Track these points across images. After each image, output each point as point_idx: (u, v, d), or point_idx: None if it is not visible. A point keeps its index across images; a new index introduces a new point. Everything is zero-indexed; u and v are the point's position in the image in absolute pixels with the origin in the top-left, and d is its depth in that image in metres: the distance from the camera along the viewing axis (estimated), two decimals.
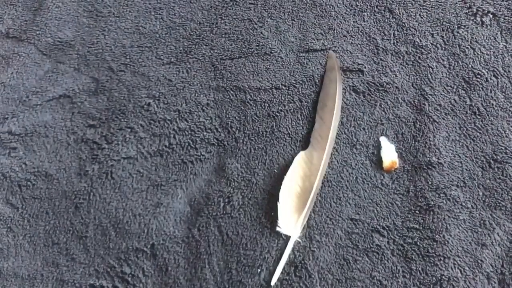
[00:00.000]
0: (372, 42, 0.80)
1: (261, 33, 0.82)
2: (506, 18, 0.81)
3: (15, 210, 0.69)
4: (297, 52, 0.80)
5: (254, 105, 0.76)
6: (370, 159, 0.70)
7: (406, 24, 0.82)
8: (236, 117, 0.75)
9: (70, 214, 0.68)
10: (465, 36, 0.80)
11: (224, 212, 0.67)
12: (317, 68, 0.78)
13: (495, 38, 0.80)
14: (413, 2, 0.84)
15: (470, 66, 0.77)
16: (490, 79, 0.76)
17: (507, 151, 0.70)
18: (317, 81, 0.77)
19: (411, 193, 0.68)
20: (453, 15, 0.82)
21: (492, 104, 0.74)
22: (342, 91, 0.75)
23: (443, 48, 0.79)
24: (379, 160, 0.70)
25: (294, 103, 0.75)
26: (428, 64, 0.77)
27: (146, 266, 0.65)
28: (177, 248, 0.65)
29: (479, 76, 0.76)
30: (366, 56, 0.79)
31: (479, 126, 0.72)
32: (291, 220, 0.65)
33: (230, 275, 0.63)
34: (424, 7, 0.83)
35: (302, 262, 0.64)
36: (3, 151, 0.73)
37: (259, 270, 0.64)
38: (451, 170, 0.69)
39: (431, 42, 0.80)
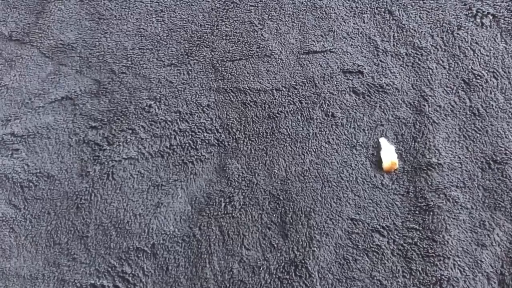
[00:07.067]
0: (372, 44, 0.80)
1: (262, 35, 0.83)
2: (506, 19, 0.82)
3: (17, 211, 0.70)
4: (297, 54, 0.80)
5: (255, 106, 0.76)
6: (370, 160, 0.71)
7: (406, 25, 0.82)
8: (237, 118, 0.75)
9: (71, 215, 0.69)
10: (465, 37, 0.80)
11: (225, 212, 0.68)
12: (317, 70, 0.78)
13: (495, 40, 0.80)
14: (413, 3, 0.84)
15: (470, 67, 0.77)
16: (490, 80, 0.76)
17: (507, 152, 0.70)
18: (317, 82, 0.77)
19: (411, 193, 0.68)
20: (453, 16, 0.82)
21: (492, 105, 0.74)
22: None
23: (443, 50, 0.79)
24: (379, 161, 0.70)
25: (294, 104, 0.76)
26: (428, 66, 0.78)
27: (146, 265, 0.65)
28: (178, 247, 0.66)
29: (479, 78, 0.76)
30: (366, 58, 0.79)
31: (479, 127, 0.72)
32: None
33: (231, 274, 0.64)
34: (424, 8, 0.83)
35: (303, 261, 0.64)
36: (5, 153, 0.74)
37: (260, 269, 0.64)
38: (451, 171, 0.69)
39: (431, 43, 0.80)
